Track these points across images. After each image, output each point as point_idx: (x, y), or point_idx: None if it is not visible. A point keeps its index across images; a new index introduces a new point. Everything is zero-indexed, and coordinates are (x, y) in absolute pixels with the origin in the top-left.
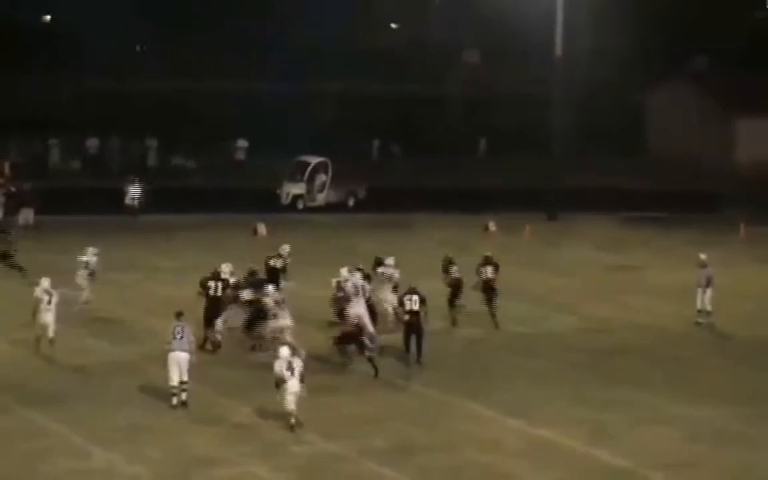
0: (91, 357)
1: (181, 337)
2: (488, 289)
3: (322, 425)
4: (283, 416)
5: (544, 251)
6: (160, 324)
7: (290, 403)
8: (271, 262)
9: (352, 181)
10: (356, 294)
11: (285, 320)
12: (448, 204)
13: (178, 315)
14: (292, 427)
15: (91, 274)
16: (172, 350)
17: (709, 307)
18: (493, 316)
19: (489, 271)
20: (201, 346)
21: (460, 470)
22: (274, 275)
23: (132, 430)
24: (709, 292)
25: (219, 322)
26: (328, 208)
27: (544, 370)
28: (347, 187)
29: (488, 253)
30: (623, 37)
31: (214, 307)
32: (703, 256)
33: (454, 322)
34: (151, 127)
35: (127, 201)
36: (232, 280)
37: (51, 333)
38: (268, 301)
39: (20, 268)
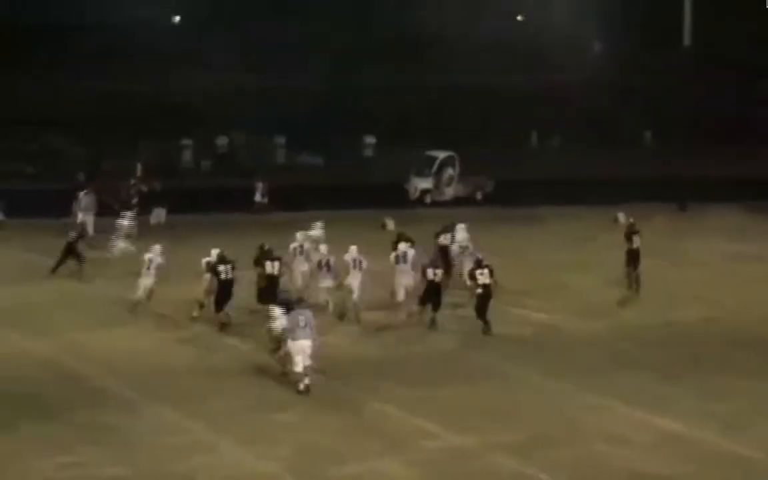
0: (218, 354)
1: (305, 326)
2: (635, 258)
3: (449, 419)
4: (410, 409)
5: (674, 242)
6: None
7: (298, 363)
8: (441, 240)
9: (479, 175)
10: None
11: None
12: (578, 196)
13: (300, 302)
14: (305, 390)
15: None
16: (297, 339)
17: None
18: (636, 279)
19: (636, 240)
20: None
21: (590, 463)
22: (444, 253)
23: (259, 427)
24: None
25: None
26: (456, 202)
27: (670, 360)
28: (475, 181)
29: (632, 220)
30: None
31: (226, 291)
32: None
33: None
34: (278, 125)
35: (257, 199)
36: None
37: (142, 293)
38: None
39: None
